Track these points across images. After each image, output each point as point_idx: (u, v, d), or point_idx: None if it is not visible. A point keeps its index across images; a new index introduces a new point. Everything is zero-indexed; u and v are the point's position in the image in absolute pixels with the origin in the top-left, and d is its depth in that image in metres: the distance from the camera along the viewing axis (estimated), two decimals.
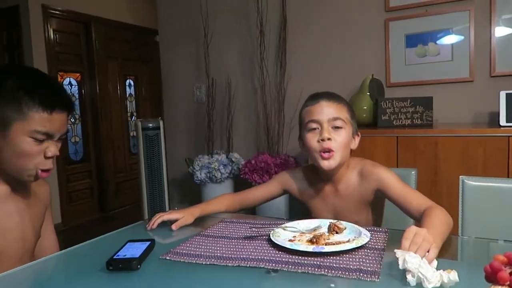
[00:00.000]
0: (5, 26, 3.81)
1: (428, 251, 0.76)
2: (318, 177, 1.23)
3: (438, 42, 2.35)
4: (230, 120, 2.90)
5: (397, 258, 0.74)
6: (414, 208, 1.04)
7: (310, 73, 2.70)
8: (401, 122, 2.13)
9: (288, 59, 2.70)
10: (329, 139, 1.10)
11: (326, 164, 1.12)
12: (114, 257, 0.86)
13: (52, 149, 0.95)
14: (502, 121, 1.88)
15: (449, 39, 2.32)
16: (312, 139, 1.14)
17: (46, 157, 0.94)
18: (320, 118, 1.13)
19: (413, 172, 1.36)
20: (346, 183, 1.19)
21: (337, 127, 1.13)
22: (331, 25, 2.62)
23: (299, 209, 1.51)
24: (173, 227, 1.13)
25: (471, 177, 1.19)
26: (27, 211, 1.03)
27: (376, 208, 1.23)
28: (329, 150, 1.10)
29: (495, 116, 2.04)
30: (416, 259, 0.71)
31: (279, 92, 2.72)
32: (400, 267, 0.72)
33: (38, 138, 0.92)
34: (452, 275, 0.68)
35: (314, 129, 1.14)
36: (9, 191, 0.99)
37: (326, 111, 1.13)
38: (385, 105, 2.13)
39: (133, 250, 0.91)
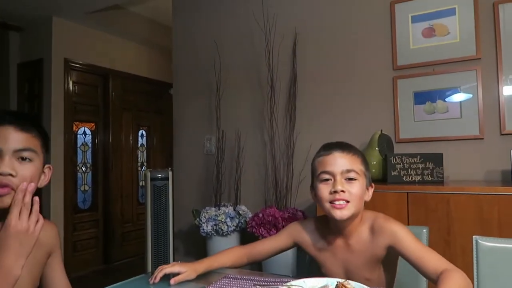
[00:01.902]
0: (28, 77, 4.00)
1: None
2: (329, 230, 1.19)
3: (446, 99, 2.37)
4: (238, 173, 2.90)
5: None
6: (431, 270, 0.99)
7: (319, 128, 2.73)
8: (411, 178, 2.10)
9: (298, 114, 2.75)
10: (342, 191, 1.08)
11: (338, 214, 1.08)
12: None
13: (2, 166, 0.90)
14: None
15: (458, 97, 2.35)
16: (325, 191, 1.11)
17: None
18: (334, 169, 1.10)
19: (424, 230, 1.32)
20: (357, 237, 1.15)
21: (350, 179, 1.10)
22: (340, 81, 2.69)
23: (307, 264, 1.46)
24: (172, 281, 1.09)
25: (486, 237, 1.15)
26: (29, 257, 1.01)
27: (388, 265, 1.17)
28: (342, 200, 1.08)
29: (508, 174, 2.01)
30: None
31: (288, 146, 2.73)
32: None
33: None
34: None
35: (327, 180, 1.11)
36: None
37: (340, 162, 1.10)
38: (394, 161, 2.12)
39: None
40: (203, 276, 1.15)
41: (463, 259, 1.70)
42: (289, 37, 2.84)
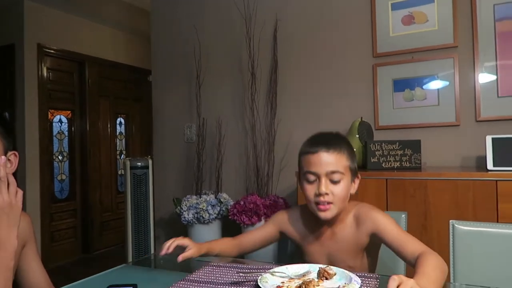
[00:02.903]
0: None
1: None
2: (315, 220, 1.20)
3: (424, 87, 2.41)
4: (219, 160, 2.89)
5: None
6: (409, 253, 1.02)
7: (300, 115, 2.74)
8: (390, 165, 2.14)
9: (279, 101, 2.75)
10: (326, 194, 1.09)
11: (322, 215, 1.11)
12: None
13: None
14: (489, 165, 1.90)
15: (435, 85, 2.39)
16: (310, 191, 1.13)
17: None
18: (318, 171, 1.11)
19: (403, 216, 1.35)
20: (342, 226, 1.17)
21: (335, 182, 1.11)
22: (321, 69, 2.69)
23: (289, 252, 1.47)
24: (180, 258, 1.10)
25: (461, 221, 1.18)
26: None
27: (371, 252, 1.20)
28: (325, 202, 1.09)
29: (482, 160, 2.06)
30: None
31: (269, 133, 2.73)
32: None
33: None
34: None
35: (312, 180, 1.13)
36: None
37: (325, 163, 1.11)
38: (374, 148, 2.15)
39: None
40: (185, 264, 1.15)
41: (439, 243, 1.75)
42: (270, 23, 2.82)
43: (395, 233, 1.08)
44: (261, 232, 1.29)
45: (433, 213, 1.86)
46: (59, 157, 4.02)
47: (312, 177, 1.12)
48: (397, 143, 2.16)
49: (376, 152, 2.14)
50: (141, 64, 4.79)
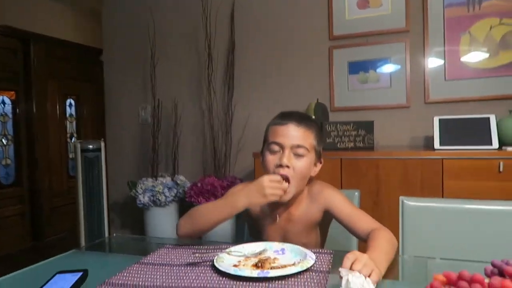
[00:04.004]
0: None
1: (370, 275, 0.75)
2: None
3: (378, 70, 2.48)
4: (176, 142, 2.83)
5: (340, 278, 0.73)
6: (361, 230, 1.05)
7: (257, 96, 2.73)
8: (345, 145, 2.19)
9: (236, 83, 2.72)
10: (287, 166, 1.07)
11: (280, 198, 1.08)
12: None
13: None
14: (436, 144, 2.00)
15: (388, 68, 2.46)
16: (271, 162, 1.10)
17: None
18: (284, 142, 1.09)
19: (356, 193, 1.39)
20: (298, 206, 1.18)
21: (299, 155, 1.09)
22: (278, 50, 2.69)
23: (246, 231, 1.48)
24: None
25: (410, 197, 1.23)
26: None
27: (323, 228, 1.22)
28: (284, 178, 1.07)
29: (430, 140, 2.17)
30: (359, 279, 0.71)
31: (226, 114, 2.71)
32: (343, 286, 0.71)
33: None
34: None
35: (276, 151, 1.10)
36: None
37: (292, 135, 1.09)
38: (329, 128, 2.19)
39: (63, 282, 0.82)
40: (139, 248, 1.12)
41: (390, 218, 1.82)
42: (227, 3, 2.76)
43: (348, 210, 1.10)
44: None
45: (384, 191, 1.94)
46: (3, 140, 3.77)
47: (276, 148, 1.10)
48: (352, 124, 2.21)
49: (331, 133, 2.19)
50: (92, 42, 4.55)
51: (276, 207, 1.19)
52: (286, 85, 2.67)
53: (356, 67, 2.52)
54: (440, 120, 2.03)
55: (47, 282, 0.83)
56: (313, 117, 2.34)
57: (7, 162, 3.82)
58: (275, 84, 2.70)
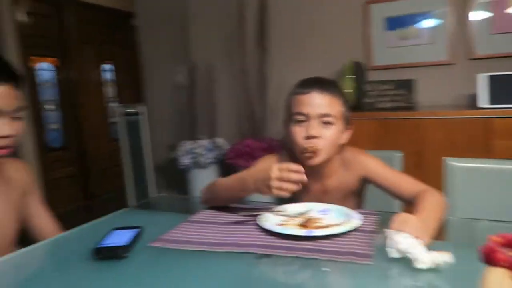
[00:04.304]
0: None
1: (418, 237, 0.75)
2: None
3: (418, 25, 2.36)
4: (213, 105, 2.86)
5: (387, 238, 0.74)
6: (406, 193, 1.02)
7: (292, 57, 2.68)
8: (384, 105, 2.14)
9: (270, 43, 2.68)
10: (316, 137, 1.02)
11: (309, 162, 1.04)
12: (101, 245, 0.84)
13: (5, 128, 0.89)
14: (481, 103, 1.91)
15: (429, 23, 2.33)
16: (298, 134, 1.04)
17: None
18: (310, 111, 1.02)
19: (397, 155, 1.36)
20: (332, 176, 1.14)
21: (327, 123, 1.03)
22: (312, 9, 2.60)
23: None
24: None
25: (455, 158, 1.21)
26: (2, 198, 1.00)
27: (359, 196, 1.20)
28: (313, 151, 1.02)
29: (475, 98, 2.07)
30: (407, 240, 0.71)
31: (261, 75, 2.69)
32: (389, 247, 0.72)
33: None
34: (446, 256, 0.67)
35: (301, 121, 1.04)
36: None
37: (317, 104, 1.02)
38: (367, 88, 2.14)
39: (120, 238, 0.89)
40: (188, 207, 1.17)
41: (433, 181, 1.79)
42: None
43: (389, 174, 1.07)
44: None
45: (427, 152, 1.91)
46: (49, 106, 3.95)
47: (301, 118, 1.04)
48: (391, 83, 2.15)
49: (370, 93, 2.14)
50: (122, 6, 4.55)
51: (308, 179, 1.17)
52: (321, 44, 2.60)
53: (394, 23, 2.41)
54: (486, 77, 1.93)
55: (106, 237, 0.89)
56: (350, 77, 2.28)
57: (55, 127, 4.01)
58: (309, 43, 2.63)
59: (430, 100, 2.34)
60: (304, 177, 0.89)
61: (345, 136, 1.11)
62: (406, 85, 2.15)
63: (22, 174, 1.10)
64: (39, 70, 3.85)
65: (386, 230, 0.76)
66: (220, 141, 2.72)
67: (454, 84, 2.31)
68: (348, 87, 2.28)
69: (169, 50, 3.09)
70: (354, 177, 1.12)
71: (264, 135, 2.70)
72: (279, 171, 0.88)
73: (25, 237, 1.09)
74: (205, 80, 2.91)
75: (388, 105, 2.14)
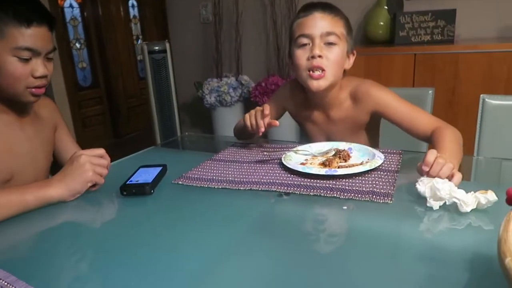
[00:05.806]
0: None
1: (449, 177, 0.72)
2: (308, 101, 1.14)
3: None
4: (238, 41, 2.78)
5: (422, 187, 0.70)
6: (421, 129, 0.99)
7: None
8: (420, 39, 2.01)
9: None
10: (320, 56, 1.00)
11: (315, 85, 1.02)
12: (128, 182, 0.87)
13: (40, 69, 0.91)
14: None
15: None
16: (302, 57, 1.02)
17: (35, 78, 0.92)
18: (312, 32, 1.01)
19: (430, 92, 1.30)
20: (338, 108, 1.11)
21: (330, 43, 1.01)
22: None
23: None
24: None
25: (493, 95, 1.13)
26: (36, 135, 1.04)
27: (372, 130, 1.16)
28: (319, 69, 1.00)
29: None
30: (445, 185, 0.68)
31: (289, 8, 2.55)
32: (428, 194, 0.69)
33: (22, 56, 0.88)
34: (490, 195, 0.64)
35: (305, 45, 1.02)
36: (14, 118, 0.99)
37: (320, 24, 1.01)
38: (403, 20, 2.00)
39: (146, 175, 0.91)
40: (211, 145, 1.18)
41: (466, 119, 1.72)
42: None
43: (404, 109, 1.02)
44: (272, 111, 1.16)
45: (462, 89, 1.80)
46: (76, 44, 3.96)
47: (304, 40, 1.02)
48: (430, 13, 1.99)
49: (405, 25, 2.00)
50: None
51: (312, 107, 1.15)
52: None
53: None
54: None
55: (133, 174, 0.92)
56: (385, 7, 2.13)
57: (83, 65, 4.06)
58: None
59: (473, 32, 2.17)
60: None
61: (350, 61, 1.09)
62: (447, 16, 1.98)
63: (50, 111, 1.13)
64: (65, 7, 3.82)
65: (420, 179, 0.73)
66: (245, 78, 2.67)
67: (499, 14, 2.11)
68: (383, 19, 2.13)
69: None
70: (364, 110, 1.08)
71: (291, 72, 2.63)
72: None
73: (57, 168, 1.14)
74: (231, 14, 2.79)
75: (425, 38, 2.00)
